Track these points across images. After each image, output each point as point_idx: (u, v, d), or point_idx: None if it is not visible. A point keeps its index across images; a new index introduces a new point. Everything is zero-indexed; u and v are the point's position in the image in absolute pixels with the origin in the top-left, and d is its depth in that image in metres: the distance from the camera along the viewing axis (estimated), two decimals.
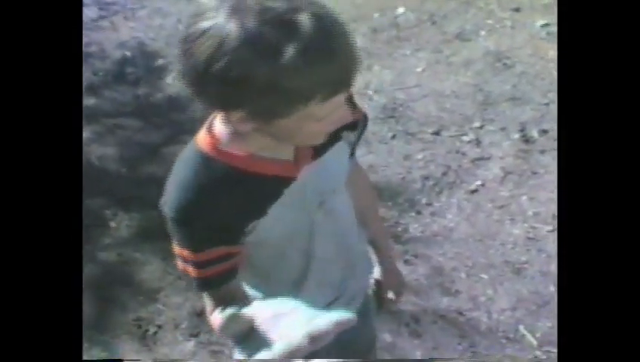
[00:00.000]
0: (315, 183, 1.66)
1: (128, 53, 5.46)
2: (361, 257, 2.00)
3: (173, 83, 5.08)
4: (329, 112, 1.42)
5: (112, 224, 3.94)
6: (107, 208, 4.03)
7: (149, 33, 5.67)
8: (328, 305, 1.86)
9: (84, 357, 3.00)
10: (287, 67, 1.28)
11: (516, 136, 4.27)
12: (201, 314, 3.29)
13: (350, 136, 1.75)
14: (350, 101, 1.70)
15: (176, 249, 1.61)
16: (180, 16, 5.76)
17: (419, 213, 3.83)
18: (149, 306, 3.46)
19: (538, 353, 3.10)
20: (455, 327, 3.26)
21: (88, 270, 3.66)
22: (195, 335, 3.28)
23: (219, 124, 1.55)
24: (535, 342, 3.16)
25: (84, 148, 4.48)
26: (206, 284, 1.65)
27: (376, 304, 2.19)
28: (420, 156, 4.20)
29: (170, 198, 1.54)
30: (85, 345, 3.28)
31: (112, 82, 5.13)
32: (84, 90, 4.93)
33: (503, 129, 4.34)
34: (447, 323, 3.28)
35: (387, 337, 3.14)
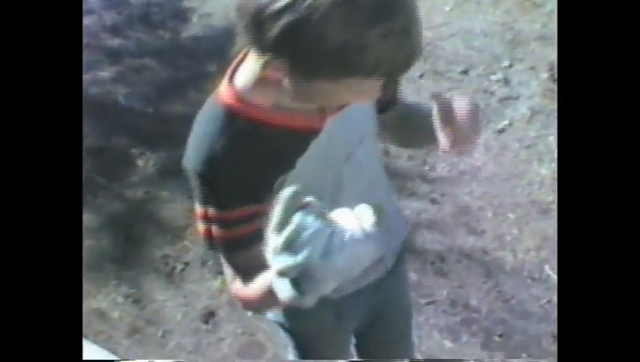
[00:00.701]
0: (342, 134, 1.61)
1: None
2: (391, 214, 1.88)
3: (198, 22, 5.06)
4: (367, 89, 1.41)
5: (139, 162, 3.96)
6: (134, 147, 4.05)
7: None
8: None
9: None
10: (367, 42, 1.26)
11: (545, 75, 4.22)
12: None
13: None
14: None
15: (199, 209, 1.53)
16: None
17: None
18: (176, 244, 3.48)
19: None
20: (480, 266, 3.26)
21: (115, 207, 3.70)
22: (222, 273, 3.29)
23: (241, 76, 1.49)
24: None
25: (110, 88, 4.50)
26: (234, 246, 1.55)
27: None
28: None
29: (193, 154, 1.48)
30: (114, 282, 3.33)
31: (136, 22, 5.10)
32: (109, 29, 4.93)
33: (531, 68, 4.28)
34: (473, 262, 3.29)
35: (413, 276, 3.15)
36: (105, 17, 5.25)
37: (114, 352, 2.93)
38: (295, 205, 1.25)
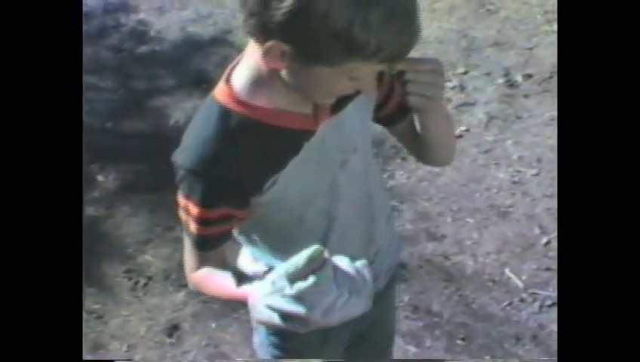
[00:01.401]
0: (335, 138, 1.62)
1: (109, 7, 5.42)
2: (385, 234, 1.89)
3: (154, 37, 5.06)
4: (366, 75, 1.43)
5: (100, 178, 3.95)
6: (93, 162, 4.03)
7: None
8: None
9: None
10: (371, 21, 1.30)
11: (500, 81, 4.28)
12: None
13: (369, 92, 1.66)
14: None
15: (182, 201, 1.57)
16: None
17: (404, 159, 3.84)
18: (139, 258, 3.48)
19: (524, 295, 3.14)
20: (441, 271, 3.30)
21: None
22: (185, 286, 3.30)
23: (238, 75, 1.53)
24: (521, 285, 3.19)
25: None
26: (202, 244, 1.62)
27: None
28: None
29: (186, 149, 1.53)
30: None
31: (93, 38, 5.09)
32: None
33: (487, 74, 4.34)
34: (434, 267, 3.32)
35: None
36: None
37: None
38: (317, 263, 1.31)
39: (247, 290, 1.48)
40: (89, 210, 3.76)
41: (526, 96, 4.16)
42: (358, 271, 1.37)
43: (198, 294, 3.21)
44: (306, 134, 1.57)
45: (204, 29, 5.08)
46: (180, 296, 3.28)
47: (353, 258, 1.40)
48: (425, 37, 4.63)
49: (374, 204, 1.80)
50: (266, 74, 1.48)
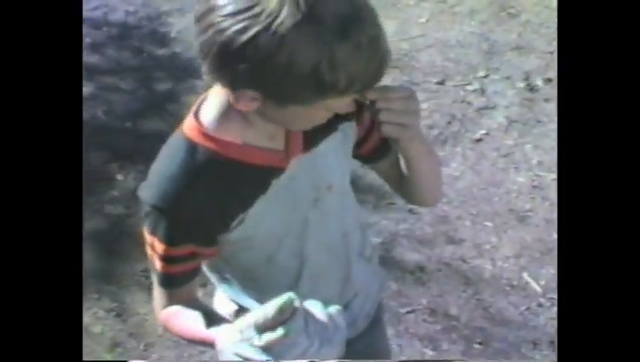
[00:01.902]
0: (307, 176, 1.56)
1: (131, 8, 5.44)
2: (364, 276, 1.82)
3: (177, 37, 5.08)
4: (344, 105, 1.39)
5: (119, 177, 3.97)
6: (113, 161, 4.06)
7: None
8: None
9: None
10: (337, 59, 1.24)
11: (521, 84, 4.27)
12: None
13: (347, 128, 1.63)
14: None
15: (148, 237, 1.51)
16: None
17: None
18: None
19: (542, 300, 3.13)
20: (459, 275, 3.29)
21: (95, 223, 3.69)
22: (203, 286, 3.29)
23: (206, 109, 1.48)
24: (539, 289, 3.18)
25: (90, 103, 4.50)
26: (168, 282, 1.57)
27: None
28: (424, 106, 4.20)
29: (151, 186, 1.48)
30: (95, 296, 3.33)
31: (115, 37, 5.12)
32: (86, 46, 4.94)
33: (507, 78, 4.33)
34: (452, 271, 3.31)
35: (392, 285, 3.17)
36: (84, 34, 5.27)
37: None
38: (287, 313, 1.26)
39: (214, 335, 1.41)
40: (108, 209, 3.78)
41: (546, 100, 4.15)
42: (331, 317, 1.31)
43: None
44: (275, 171, 1.51)
45: None
46: (199, 295, 3.28)
47: (327, 303, 1.34)
48: (446, 40, 4.67)
49: (350, 244, 1.74)
50: (235, 109, 1.41)
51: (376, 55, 1.29)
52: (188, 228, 1.48)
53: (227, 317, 1.80)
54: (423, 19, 4.90)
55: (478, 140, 3.96)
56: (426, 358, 2.97)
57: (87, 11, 5.33)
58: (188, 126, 1.48)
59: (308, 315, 1.28)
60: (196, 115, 1.48)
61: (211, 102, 1.47)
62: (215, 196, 1.46)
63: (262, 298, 1.66)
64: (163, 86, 4.67)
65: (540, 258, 3.31)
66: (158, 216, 1.46)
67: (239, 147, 1.47)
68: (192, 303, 1.56)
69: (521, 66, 4.37)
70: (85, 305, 3.27)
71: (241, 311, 1.71)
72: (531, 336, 3.01)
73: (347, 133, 1.63)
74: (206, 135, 1.45)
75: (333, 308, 1.31)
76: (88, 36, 5.12)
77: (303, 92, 1.29)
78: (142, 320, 3.22)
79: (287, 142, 1.51)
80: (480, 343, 3.01)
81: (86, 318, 3.21)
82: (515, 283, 3.23)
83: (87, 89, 4.66)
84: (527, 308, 3.11)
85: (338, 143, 1.62)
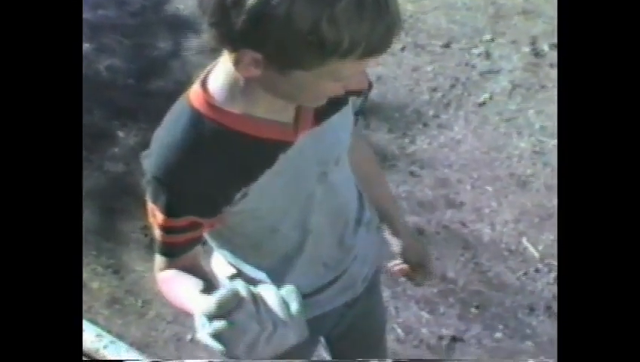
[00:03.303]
0: (315, 151, 1.54)
1: None
2: (365, 240, 1.83)
3: None
4: (351, 74, 1.33)
5: (120, 134, 3.96)
6: (115, 118, 4.04)
7: None
8: (322, 289, 1.78)
9: None
10: (338, 16, 1.20)
11: (526, 49, 4.23)
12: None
13: (356, 102, 1.63)
14: None
15: (149, 204, 1.50)
16: None
17: (426, 125, 3.83)
18: None
19: (540, 265, 3.13)
20: (458, 239, 3.29)
21: (95, 179, 3.70)
22: (203, 243, 3.30)
23: (214, 80, 1.44)
24: (537, 255, 3.18)
25: (92, 58, 4.48)
26: (167, 251, 1.56)
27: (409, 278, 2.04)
28: (428, 68, 4.17)
29: (153, 155, 1.45)
30: (93, 253, 3.33)
31: None
32: (88, 3, 4.91)
33: (513, 42, 4.28)
34: (451, 234, 3.31)
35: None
36: None
37: (94, 322, 2.95)
38: (231, 305, 1.23)
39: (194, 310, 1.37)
40: (108, 166, 3.78)
41: (552, 65, 4.11)
42: (285, 300, 1.27)
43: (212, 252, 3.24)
44: (283, 145, 1.49)
45: None
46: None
47: (280, 286, 1.31)
48: (452, 3, 4.61)
49: (350, 213, 1.74)
50: (243, 80, 1.39)
51: (382, 17, 1.24)
52: (189, 201, 1.45)
53: (223, 280, 1.81)
54: None
55: (482, 104, 3.93)
56: (423, 322, 2.97)
57: None
58: (194, 95, 1.44)
59: (260, 301, 1.25)
60: (203, 84, 1.45)
61: (219, 71, 1.44)
62: (218, 169, 1.44)
63: (262, 264, 1.69)
64: (166, 44, 4.62)
65: (540, 223, 3.31)
66: (159, 187, 1.44)
67: (247, 120, 1.44)
68: (192, 269, 1.54)
69: (528, 31, 4.32)
70: (84, 261, 3.28)
71: (239, 275, 1.71)
72: (528, 301, 3.01)
73: (355, 103, 1.63)
74: (212, 106, 1.42)
75: (287, 290, 1.28)
76: None
77: (304, 53, 1.25)
78: (139, 277, 3.23)
79: (297, 115, 1.49)
80: (477, 307, 3.01)
81: (85, 274, 3.22)
82: (513, 248, 3.23)
83: (88, 45, 4.63)
84: (525, 273, 3.12)
85: (348, 117, 1.61)
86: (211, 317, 1.23)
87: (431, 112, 3.90)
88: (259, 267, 1.69)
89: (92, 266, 3.27)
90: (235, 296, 1.22)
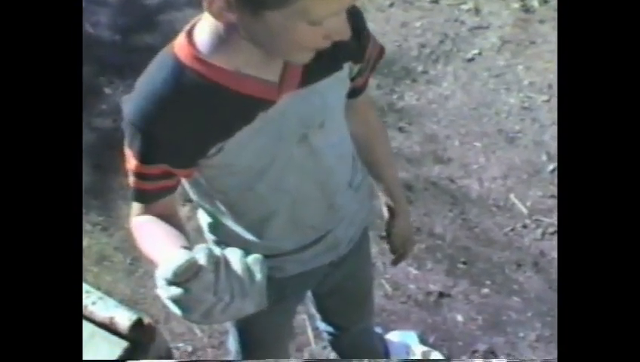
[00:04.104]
0: (298, 112, 1.53)
1: None
2: (350, 203, 1.81)
3: None
4: (324, 15, 1.29)
5: (107, 90, 3.94)
6: (102, 75, 4.02)
7: None
8: (305, 247, 1.78)
9: None
10: None
11: (516, 5, 4.21)
12: None
13: (354, 68, 1.62)
14: (367, 32, 1.62)
15: (126, 149, 1.50)
16: None
17: (414, 80, 3.82)
18: None
19: (527, 221, 3.14)
20: (446, 194, 3.29)
21: (84, 136, 3.67)
22: (190, 200, 3.30)
23: (200, 31, 1.43)
24: (525, 211, 3.19)
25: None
26: (140, 197, 1.56)
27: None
28: (417, 24, 4.15)
29: (133, 100, 1.44)
30: (82, 211, 3.32)
31: None
32: None
33: None
34: (439, 190, 3.32)
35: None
36: None
37: (84, 280, 2.95)
38: (188, 274, 1.19)
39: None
40: (96, 122, 3.77)
41: (541, 21, 4.10)
42: (248, 269, 1.23)
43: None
44: (264, 103, 1.48)
45: None
46: (185, 210, 3.28)
47: (247, 252, 1.27)
48: None
49: (337, 175, 1.73)
50: (226, 31, 1.38)
51: None
52: (162, 149, 1.45)
53: (206, 234, 1.81)
54: None
55: (470, 60, 3.92)
56: (410, 277, 2.99)
57: None
58: (179, 45, 1.43)
59: (221, 269, 1.21)
60: (189, 35, 1.43)
61: (205, 23, 1.42)
62: (195, 121, 1.43)
63: (239, 222, 1.69)
64: (152, 0, 4.60)
65: (528, 180, 3.31)
66: (134, 133, 1.44)
67: (229, 74, 1.43)
68: (166, 217, 1.54)
69: None
70: None
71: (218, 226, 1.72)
72: (515, 257, 3.02)
73: (352, 69, 1.62)
74: (196, 57, 1.41)
75: (253, 258, 1.24)
76: None
77: None
78: (128, 234, 3.20)
79: (283, 74, 1.47)
80: (464, 263, 3.02)
81: None
82: (501, 203, 3.24)
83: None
84: (512, 229, 3.13)
85: (340, 83, 1.59)
86: (169, 283, 1.20)
87: (419, 68, 3.89)
88: (237, 225, 1.70)
89: (83, 359, 3.26)
90: (192, 265, 1.18)
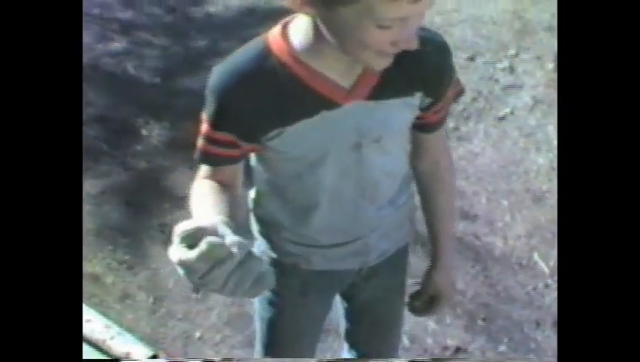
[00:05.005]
0: (358, 122, 1.62)
1: None
2: (391, 218, 1.86)
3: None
4: (394, 19, 1.37)
5: (144, 132, 4.02)
6: (140, 116, 4.11)
7: None
8: (334, 246, 1.84)
9: None
10: None
11: (550, 65, 4.25)
12: None
13: (425, 100, 1.67)
14: (451, 72, 1.70)
15: (203, 116, 1.63)
16: None
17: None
18: (174, 213, 3.53)
19: (549, 281, 3.14)
20: (470, 250, 3.31)
21: (117, 175, 3.76)
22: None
23: (294, 28, 1.55)
24: (547, 270, 3.19)
25: (122, 57, 4.56)
26: (205, 159, 1.67)
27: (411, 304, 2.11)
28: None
29: (218, 71, 1.57)
30: (110, 247, 3.39)
31: None
32: (122, 3, 4.99)
33: (538, 58, 4.31)
34: (463, 246, 3.33)
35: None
36: None
37: (105, 315, 2.99)
38: (210, 263, 1.21)
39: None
40: (131, 162, 3.84)
41: None
42: (260, 277, 1.25)
43: None
44: (330, 103, 1.58)
45: None
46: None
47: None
48: (479, 16, 4.65)
49: (379, 191, 1.79)
50: (316, 33, 1.50)
51: None
52: (232, 120, 1.59)
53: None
54: None
55: (502, 118, 3.95)
56: (429, 331, 2.99)
57: None
58: (272, 34, 1.57)
59: (236, 269, 1.22)
60: (284, 28, 1.57)
61: (301, 21, 1.54)
62: (264, 102, 1.56)
63: (284, 207, 1.80)
64: (195, 44, 4.70)
65: (552, 239, 3.31)
66: (211, 98, 1.57)
67: (310, 70, 1.55)
68: (226, 188, 1.63)
69: (552, 47, 4.34)
70: (100, 255, 3.34)
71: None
72: (535, 316, 3.02)
73: (423, 101, 1.68)
74: (284, 48, 1.55)
75: (268, 270, 1.26)
76: None
77: None
78: (153, 274, 3.27)
79: (356, 82, 1.58)
80: (483, 319, 3.03)
81: (99, 268, 3.28)
82: (524, 262, 3.24)
83: (119, 44, 4.72)
84: (534, 288, 3.13)
85: (407, 107, 1.67)
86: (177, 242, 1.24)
87: (451, 124, 3.93)
88: (282, 209, 1.81)
89: (107, 261, 3.32)
90: (197, 231, 1.23)
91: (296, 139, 1.60)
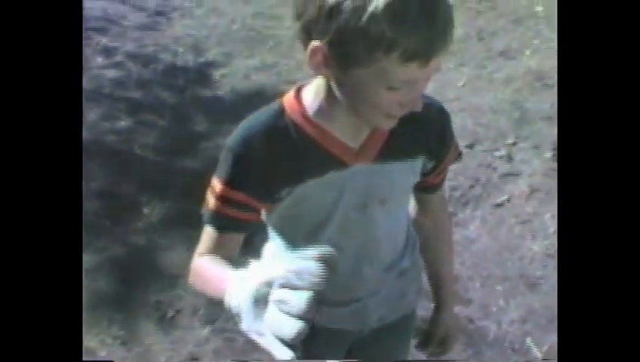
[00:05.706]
0: (364, 184, 1.68)
1: (180, 49, 5.60)
2: (392, 285, 1.90)
3: (221, 81, 5.21)
4: (404, 81, 1.45)
5: (145, 210, 4.07)
6: (142, 195, 4.16)
7: (203, 31, 5.82)
8: (333, 304, 1.83)
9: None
10: (381, 8, 1.35)
11: (548, 155, 4.30)
12: (220, 303, 3.37)
13: (427, 164, 1.76)
14: (451, 139, 1.82)
15: (213, 180, 1.65)
16: (235, 17, 5.92)
17: None
18: (171, 291, 3.55)
19: None
20: (464, 335, 3.31)
21: (116, 251, 3.79)
22: (212, 323, 3.36)
23: (307, 90, 1.63)
24: (540, 355, 3.19)
25: (128, 136, 4.64)
26: (217, 220, 1.66)
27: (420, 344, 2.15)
28: (451, 167, 4.23)
29: (237, 132, 1.62)
30: (105, 323, 3.40)
31: (160, 75, 5.27)
32: (133, 82, 5.10)
33: (535, 147, 4.37)
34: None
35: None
36: (132, 69, 5.44)
37: None
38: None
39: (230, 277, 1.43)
40: (131, 239, 3.88)
41: None
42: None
43: (222, 331, 3.29)
44: (338, 163, 1.64)
45: (268, 78, 5.23)
46: (205, 331, 3.34)
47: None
48: (479, 105, 4.72)
49: (380, 252, 1.82)
50: (328, 96, 1.57)
51: (426, 20, 1.38)
52: (250, 176, 1.61)
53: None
54: (460, 83, 4.98)
55: (499, 205, 3.99)
56: None
57: (137, 47, 5.53)
58: (287, 96, 1.65)
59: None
60: (298, 91, 1.64)
61: (313, 85, 1.62)
62: (278, 159, 1.61)
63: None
64: (200, 126, 4.79)
65: (546, 325, 3.32)
66: (229, 156, 1.61)
67: (322, 131, 1.61)
68: (229, 258, 1.62)
69: (551, 136, 4.40)
70: (94, 330, 3.35)
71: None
72: None
73: (425, 165, 1.75)
74: (298, 110, 1.62)
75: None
76: (136, 72, 5.29)
77: (354, 44, 1.40)
78: (146, 350, 3.28)
79: (364, 144, 1.65)
80: None
81: (93, 343, 3.28)
82: (517, 346, 3.24)
83: (126, 123, 4.81)
84: None
85: (410, 171, 1.74)
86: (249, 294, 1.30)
87: (449, 209, 3.95)
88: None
89: (101, 336, 3.33)
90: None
91: (303, 198, 1.66)
